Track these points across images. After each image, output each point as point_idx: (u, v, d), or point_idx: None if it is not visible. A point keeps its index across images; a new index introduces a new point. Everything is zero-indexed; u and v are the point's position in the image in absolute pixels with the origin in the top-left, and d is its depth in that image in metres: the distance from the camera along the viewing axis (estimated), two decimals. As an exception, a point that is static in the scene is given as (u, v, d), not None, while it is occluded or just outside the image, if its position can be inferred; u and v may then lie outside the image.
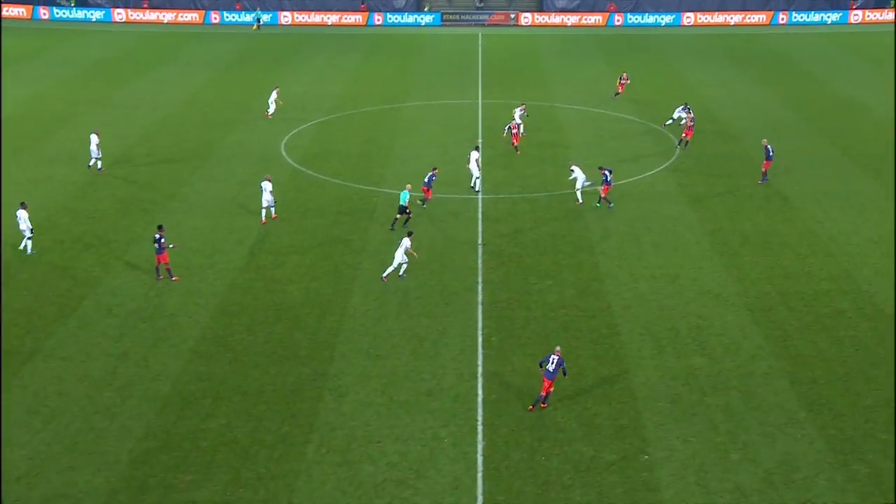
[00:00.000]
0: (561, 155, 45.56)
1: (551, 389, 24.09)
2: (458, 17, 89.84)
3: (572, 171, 39.27)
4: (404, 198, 35.71)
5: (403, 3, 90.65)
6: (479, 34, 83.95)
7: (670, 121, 50.71)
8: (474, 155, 40.90)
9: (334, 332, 28.24)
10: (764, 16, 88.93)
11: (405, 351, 27.20)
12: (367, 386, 25.36)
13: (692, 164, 44.49)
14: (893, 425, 23.52)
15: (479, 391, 25.11)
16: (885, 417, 23.83)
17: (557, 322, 28.86)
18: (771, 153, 41.12)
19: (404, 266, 31.60)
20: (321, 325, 28.73)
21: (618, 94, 57.71)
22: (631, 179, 42.02)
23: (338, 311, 29.57)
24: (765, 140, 42.40)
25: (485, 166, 43.07)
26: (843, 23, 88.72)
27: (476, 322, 28.95)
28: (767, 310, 29.74)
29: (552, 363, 23.84)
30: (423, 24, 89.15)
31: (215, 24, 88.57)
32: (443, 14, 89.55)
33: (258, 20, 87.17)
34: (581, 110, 55.11)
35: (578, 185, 38.83)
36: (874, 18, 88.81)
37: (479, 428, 23.49)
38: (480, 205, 38.85)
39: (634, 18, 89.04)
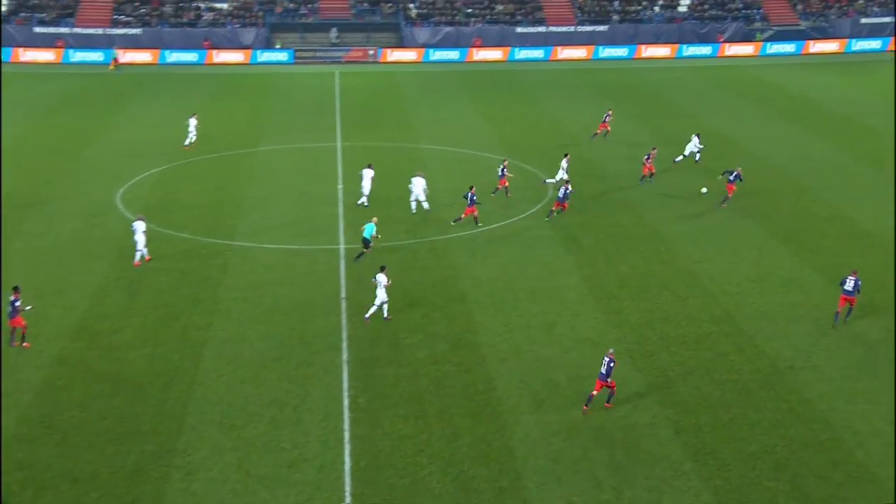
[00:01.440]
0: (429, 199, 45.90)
1: (612, 391, 27.03)
2: (312, 53, 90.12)
3: (412, 182, 43.42)
4: (370, 231, 37.14)
5: (252, 39, 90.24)
6: (337, 72, 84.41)
7: (698, 157, 52.69)
8: (368, 173, 44.48)
9: (182, 403, 27.32)
10: (633, 48, 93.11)
11: (263, 419, 26.56)
12: (220, 461, 24.57)
13: (567, 207, 45.62)
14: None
15: (347, 459, 24.75)
16: (769, 464, 24.79)
17: (430, 378, 28.88)
18: (733, 177, 45.09)
19: (386, 306, 32.25)
20: (167, 395, 27.75)
21: (596, 134, 58.54)
22: (503, 223, 42.82)
23: (186, 379, 28.67)
24: (739, 168, 45.89)
25: (345, 213, 43.25)
26: (714, 56, 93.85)
27: (341, 383, 28.63)
28: (649, 355, 30.67)
29: (603, 365, 26.69)
30: (274, 62, 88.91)
31: (27, 63, 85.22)
32: (295, 51, 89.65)
33: (114, 59, 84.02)
34: (447, 150, 56.00)
35: (413, 196, 43.45)
36: (738, 52, 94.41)
37: (348, 500, 23.10)
38: (342, 254, 38.70)
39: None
